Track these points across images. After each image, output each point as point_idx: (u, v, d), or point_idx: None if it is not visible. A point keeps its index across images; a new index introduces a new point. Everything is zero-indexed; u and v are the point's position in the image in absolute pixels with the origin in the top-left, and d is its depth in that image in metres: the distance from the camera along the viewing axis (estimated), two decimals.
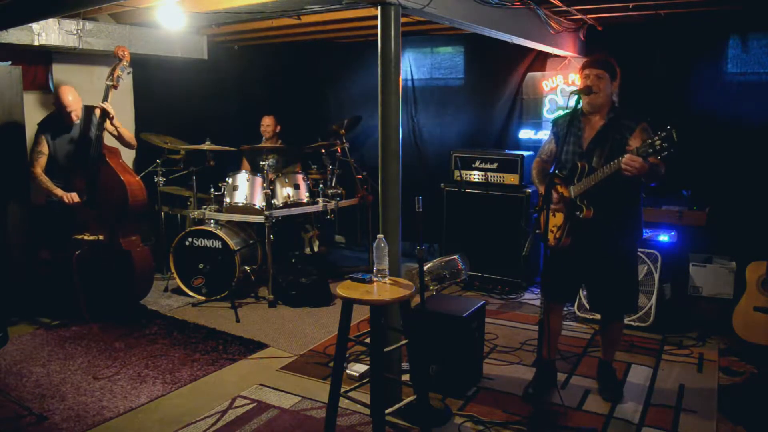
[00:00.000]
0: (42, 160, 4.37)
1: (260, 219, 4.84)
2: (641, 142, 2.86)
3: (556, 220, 3.22)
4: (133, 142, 4.69)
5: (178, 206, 5.49)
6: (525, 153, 5.22)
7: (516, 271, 5.17)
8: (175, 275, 5.04)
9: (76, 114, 4.44)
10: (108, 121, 4.33)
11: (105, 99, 4.31)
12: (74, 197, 4.33)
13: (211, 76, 6.10)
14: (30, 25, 4.17)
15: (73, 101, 4.40)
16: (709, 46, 4.82)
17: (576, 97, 3.04)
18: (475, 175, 5.38)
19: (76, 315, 4.32)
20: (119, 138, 4.55)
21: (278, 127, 5.98)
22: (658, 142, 2.72)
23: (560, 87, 5.53)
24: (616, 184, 2.98)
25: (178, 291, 5.07)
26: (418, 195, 2.99)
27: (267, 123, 5.95)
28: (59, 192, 4.34)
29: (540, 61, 5.62)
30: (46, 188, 4.36)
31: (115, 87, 4.33)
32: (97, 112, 4.31)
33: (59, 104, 4.39)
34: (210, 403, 3.25)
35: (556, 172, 3.17)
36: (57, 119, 4.44)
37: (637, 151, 2.80)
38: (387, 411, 2.62)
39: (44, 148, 4.37)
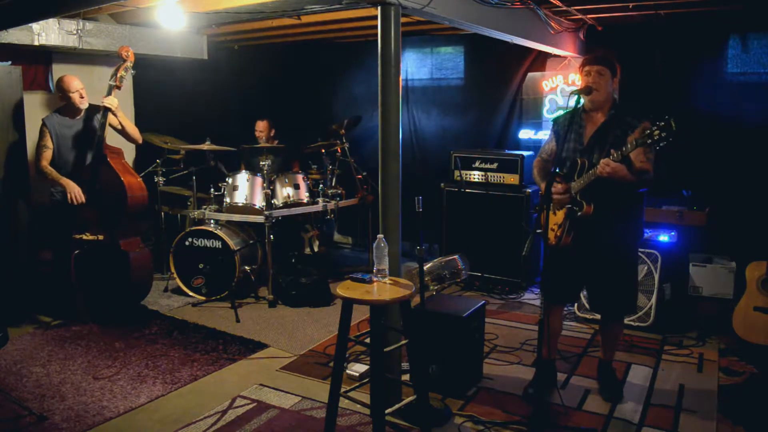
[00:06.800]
0: (47, 154, 4.33)
1: (260, 219, 4.84)
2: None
3: (557, 218, 3.21)
4: (138, 136, 4.63)
5: (178, 206, 5.49)
6: (525, 153, 5.22)
7: (516, 271, 5.17)
8: (175, 275, 5.04)
9: (81, 95, 4.35)
10: (111, 114, 4.32)
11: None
12: (79, 191, 4.26)
13: (211, 76, 6.10)
14: (30, 25, 4.17)
15: (79, 84, 4.35)
16: (709, 46, 4.82)
17: (576, 97, 3.04)
18: (475, 175, 5.38)
19: (76, 315, 4.33)
20: (123, 132, 4.51)
21: (273, 131, 5.93)
22: (656, 132, 2.74)
23: (560, 87, 5.53)
24: (617, 182, 2.98)
25: (178, 291, 5.07)
26: (418, 195, 2.99)
27: (261, 129, 5.88)
28: (66, 181, 4.28)
29: (540, 61, 5.63)
30: (53, 178, 4.31)
31: (118, 87, 4.32)
32: (101, 107, 4.29)
33: (65, 90, 4.31)
34: (210, 403, 3.25)
35: (557, 170, 3.17)
36: (62, 114, 4.41)
37: (636, 141, 2.83)
38: (387, 411, 2.61)
39: (49, 142, 4.33)
